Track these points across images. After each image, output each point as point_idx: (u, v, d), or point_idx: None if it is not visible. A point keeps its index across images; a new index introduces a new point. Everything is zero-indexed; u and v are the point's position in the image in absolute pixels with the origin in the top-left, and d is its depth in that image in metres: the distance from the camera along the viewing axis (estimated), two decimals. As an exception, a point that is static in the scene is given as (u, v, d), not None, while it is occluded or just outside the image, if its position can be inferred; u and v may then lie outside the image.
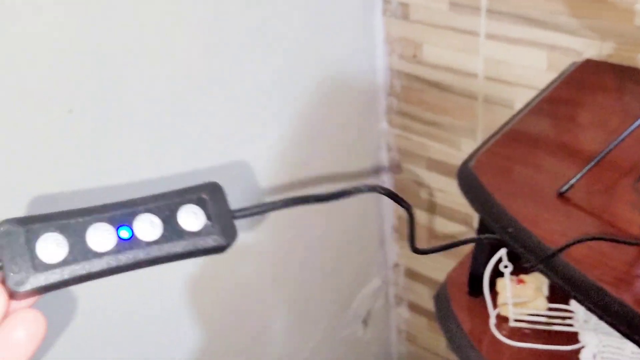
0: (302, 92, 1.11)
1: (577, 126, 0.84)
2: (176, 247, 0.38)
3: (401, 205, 0.45)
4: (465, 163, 0.75)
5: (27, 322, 0.33)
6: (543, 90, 0.92)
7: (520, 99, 1.08)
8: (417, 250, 0.45)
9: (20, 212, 0.39)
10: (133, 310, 0.96)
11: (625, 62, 0.94)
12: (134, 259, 0.37)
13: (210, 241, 0.38)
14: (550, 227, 0.66)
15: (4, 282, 0.33)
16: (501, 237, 0.67)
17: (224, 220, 0.39)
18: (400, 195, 0.45)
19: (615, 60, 0.95)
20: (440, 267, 1.38)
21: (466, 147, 1.20)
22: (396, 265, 1.49)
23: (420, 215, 1.36)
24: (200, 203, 0.39)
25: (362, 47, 1.20)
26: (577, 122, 0.85)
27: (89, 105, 0.79)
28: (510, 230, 0.66)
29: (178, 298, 1.03)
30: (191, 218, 0.38)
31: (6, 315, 0.33)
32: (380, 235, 1.44)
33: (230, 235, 0.39)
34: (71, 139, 0.79)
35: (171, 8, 0.85)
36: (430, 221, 1.35)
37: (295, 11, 1.03)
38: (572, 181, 0.68)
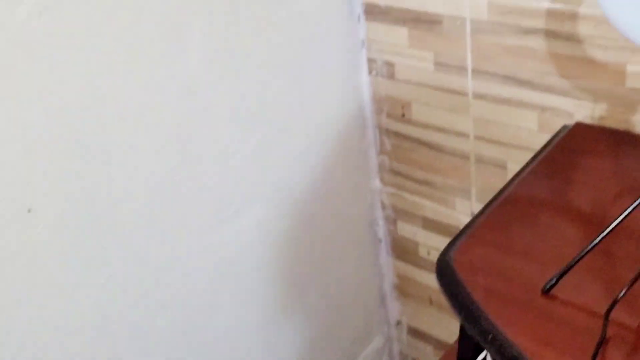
0: (292, 157, 1.07)
1: (569, 200, 0.79)
2: None
3: None
4: (444, 254, 0.71)
5: None
6: (533, 158, 0.88)
7: (513, 159, 1.04)
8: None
9: None
10: None
11: (617, 125, 0.89)
12: None
13: None
14: (534, 333, 0.61)
15: None
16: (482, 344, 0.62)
17: None
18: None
19: (607, 122, 0.90)
20: (443, 324, 1.33)
21: (461, 207, 1.15)
22: (398, 323, 1.43)
23: (420, 275, 1.31)
24: None
25: (350, 107, 1.16)
26: (568, 197, 0.80)
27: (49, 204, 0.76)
28: (489, 337, 0.61)
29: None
30: None
31: None
32: (380, 294, 1.39)
33: None
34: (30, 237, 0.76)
35: (139, 99, 0.82)
36: (431, 280, 1.30)
37: (277, 79, 1.00)
38: (555, 279, 0.63)
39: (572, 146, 0.88)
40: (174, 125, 0.87)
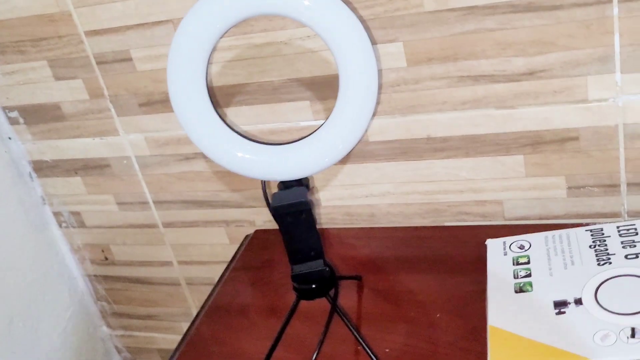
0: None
1: (261, 297, 0.83)
2: None
3: None
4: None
5: None
6: (226, 269, 0.91)
7: (219, 274, 1.06)
8: None
9: None
10: None
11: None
12: None
13: None
14: None
15: None
16: None
17: None
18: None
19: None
20: None
21: (189, 331, 1.15)
22: None
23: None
24: None
25: (51, 262, 1.12)
26: (260, 295, 0.83)
27: None
28: None
29: None
30: None
31: None
32: None
33: None
34: None
35: None
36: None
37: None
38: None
39: (255, 250, 0.93)
40: None
